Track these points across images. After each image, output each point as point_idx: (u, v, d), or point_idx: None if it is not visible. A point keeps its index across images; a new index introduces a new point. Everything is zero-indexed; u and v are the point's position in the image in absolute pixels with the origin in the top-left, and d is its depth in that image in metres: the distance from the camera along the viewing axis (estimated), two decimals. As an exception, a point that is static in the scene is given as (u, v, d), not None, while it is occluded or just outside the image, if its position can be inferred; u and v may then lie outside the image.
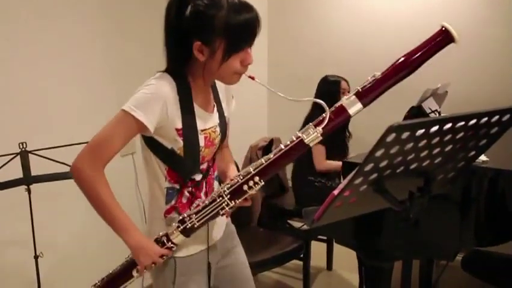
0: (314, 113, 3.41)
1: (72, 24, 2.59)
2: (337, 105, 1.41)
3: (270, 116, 4.57)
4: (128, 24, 2.99)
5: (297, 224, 3.64)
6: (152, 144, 1.53)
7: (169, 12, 1.48)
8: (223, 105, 1.69)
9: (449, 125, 1.12)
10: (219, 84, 1.67)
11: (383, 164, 1.11)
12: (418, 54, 1.33)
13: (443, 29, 1.29)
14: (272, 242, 3.05)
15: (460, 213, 2.14)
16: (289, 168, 3.72)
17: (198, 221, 1.51)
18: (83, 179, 1.42)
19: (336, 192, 1.15)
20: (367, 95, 1.37)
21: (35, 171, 1.95)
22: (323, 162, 3.37)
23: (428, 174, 1.29)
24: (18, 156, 1.89)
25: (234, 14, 1.40)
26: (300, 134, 1.43)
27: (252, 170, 1.47)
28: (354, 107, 1.38)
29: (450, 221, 2.14)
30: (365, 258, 2.42)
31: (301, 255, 3.14)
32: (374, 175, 1.14)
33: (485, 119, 1.19)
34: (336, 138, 3.47)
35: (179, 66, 1.52)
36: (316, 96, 3.45)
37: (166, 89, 1.46)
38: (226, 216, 1.66)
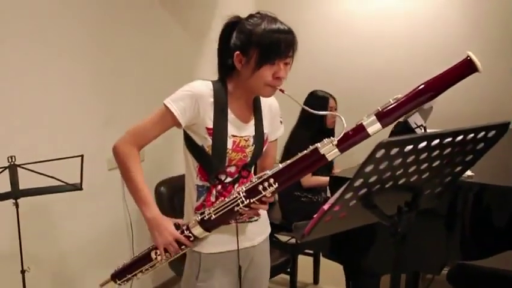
0: (297, 133, 3.43)
1: (60, 37, 2.58)
2: (357, 123, 1.47)
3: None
4: (118, 36, 2.98)
5: (283, 238, 3.63)
6: (187, 139, 1.70)
7: (223, 32, 1.68)
8: (265, 122, 1.80)
9: (436, 141, 1.14)
10: (265, 103, 1.80)
11: (372, 179, 1.13)
12: (441, 81, 1.39)
13: (468, 58, 1.34)
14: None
15: (445, 227, 2.17)
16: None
17: (214, 214, 1.61)
18: (119, 154, 1.63)
19: (326, 207, 1.16)
20: (387, 116, 1.44)
21: (23, 185, 1.94)
22: (309, 178, 3.37)
23: (416, 189, 1.31)
24: (7, 169, 1.88)
25: (269, 30, 1.57)
26: (316, 144, 1.54)
27: (268, 172, 1.58)
28: (373, 126, 1.44)
29: (436, 235, 2.16)
30: (351, 273, 2.44)
31: (288, 270, 3.14)
32: (364, 190, 1.16)
33: (472, 135, 1.22)
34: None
35: (222, 74, 1.71)
36: (303, 111, 3.46)
37: (202, 90, 1.64)
38: (245, 218, 1.73)
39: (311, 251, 3.62)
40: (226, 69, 1.69)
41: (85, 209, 2.72)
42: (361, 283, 2.49)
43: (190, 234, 1.64)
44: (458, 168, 1.36)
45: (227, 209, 1.60)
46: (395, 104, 1.43)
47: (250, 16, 1.65)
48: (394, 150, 1.06)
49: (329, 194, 3.62)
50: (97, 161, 2.76)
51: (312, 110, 1.65)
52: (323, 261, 3.57)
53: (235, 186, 1.71)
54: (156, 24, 3.26)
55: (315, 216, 1.22)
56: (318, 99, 3.45)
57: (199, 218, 1.63)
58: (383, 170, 1.11)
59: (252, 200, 1.58)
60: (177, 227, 1.66)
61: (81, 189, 2.14)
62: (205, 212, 1.62)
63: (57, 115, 2.58)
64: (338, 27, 4.22)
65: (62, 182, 1.98)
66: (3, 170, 1.85)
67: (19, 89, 2.37)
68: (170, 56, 3.35)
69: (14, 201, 1.92)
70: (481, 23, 3.70)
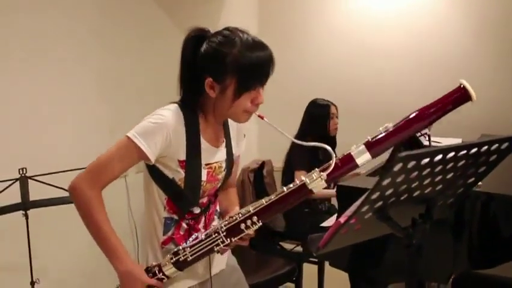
0: (296, 145, 3.43)
1: (67, 50, 2.61)
2: (345, 153, 1.41)
3: (260, 138, 4.59)
4: (123, 45, 3.01)
5: (288, 246, 3.64)
6: (154, 172, 1.54)
7: (186, 47, 1.51)
8: (233, 143, 1.70)
9: (451, 154, 1.15)
10: (231, 121, 1.67)
11: (389, 192, 1.13)
12: (433, 109, 1.35)
13: (461, 86, 1.32)
14: (264, 265, 3.05)
15: (453, 236, 2.17)
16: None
17: (191, 255, 1.49)
18: (80, 199, 1.43)
19: (342, 219, 1.17)
20: (377, 146, 1.38)
21: (33, 196, 1.94)
22: None
23: (430, 201, 1.32)
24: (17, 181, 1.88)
25: (246, 53, 1.42)
26: (303, 178, 1.43)
27: (251, 209, 1.46)
28: (362, 156, 1.39)
29: (444, 244, 2.16)
30: (358, 281, 2.44)
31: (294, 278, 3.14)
32: (380, 203, 1.16)
33: (486, 147, 1.23)
34: (320, 165, 3.49)
35: (191, 100, 1.54)
36: (304, 119, 3.49)
37: (172, 120, 1.47)
38: (221, 254, 1.62)
39: (315, 259, 3.62)
40: (194, 94, 1.52)
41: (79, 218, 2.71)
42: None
43: (163, 277, 1.51)
44: (471, 180, 1.37)
45: (205, 249, 1.48)
46: (384, 135, 1.38)
47: (218, 33, 1.49)
48: (411, 164, 1.06)
49: (333, 203, 3.63)
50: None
51: (296, 141, 1.54)
52: (328, 269, 3.56)
53: (206, 215, 1.62)
54: (160, 33, 3.29)
55: (329, 229, 1.22)
56: (319, 108, 3.47)
57: (174, 259, 1.50)
58: (399, 183, 1.11)
59: (233, 239, 1.47)
60: (148, 269, 1.53)
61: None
62: (180, 252, 1.49)
63: (68, 127, 2.60)
64: (339, 35, 4.24)
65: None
66: (13, 182, 1.86)
67: (29, 101, 2.39)
68: (175, 64, 3.35)
69: (23, 212, 1.92)
70: (481, 32, 3.72)
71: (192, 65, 1.49)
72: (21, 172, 1.88)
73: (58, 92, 2.56)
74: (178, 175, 1.51)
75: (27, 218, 1.97)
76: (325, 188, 2.93)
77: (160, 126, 1.45)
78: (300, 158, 3.28)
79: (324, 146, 1.46)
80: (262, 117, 1.49)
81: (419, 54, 3.90)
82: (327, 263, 3.50)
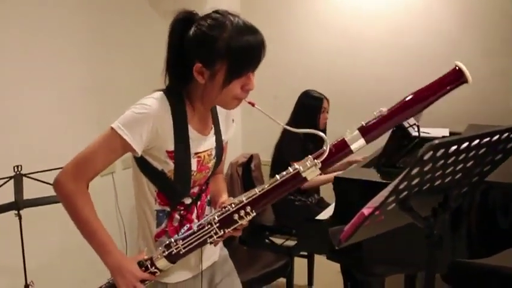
0: (289, 133, 3.39)
1: (57, 48, 2.57)
2: (339, 139, 1.38)
3: (244, 133, 4.54)
4: (110, 39, 2.95)
5: (278, 240, 3.61)
6: (142, 164, 1.49)
7: (173, 31, 1.44)
8: (222, 128, 1.64)
9: (476, 142, 1.13)
10: (219, 107, 1.61)
11: (415, 181, 1.11)
12: (428, 92, 1.31)
13: (457, 68, 1.28)
14: (256, 260, 3.03)
15: (452, 225, 2.17)
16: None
17: (184, 248, 1.45)
18: (64, 193, 1.39)
19: (366, 212, 1.14)
20: (371, 131, 1.35)
21: (28, 195, 1.86)
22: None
23: (447, 190, 1.30)
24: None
25: (237, 37, 1.36)
26: (297, 166, 1.38)
27: (244, 199, 1.42)
28: (356, 142, 1.35)
29: (443, 233, 2.16)
30: (357, 275, 2.43)
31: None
32: (404, 193, 1.14)
33: (506, 134, 1.21)
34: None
35: (178, 87, 1.48)
36: (296, 110, 3.45)
37: (158, 109, 1.41)
38: (215, 245, 1.58)
39: (305, 253, 3.60)
40: (181, 80, 1.46)
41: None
42: (365, 285, 2.49)
43: (155, 270, 1.47)
44: (487, 168, 1.36)
45: (198, 242, 1.44)
46: (379, 119, 1.34)
47: (208, 16, 1.41)
48: (440, 152, 1.04)
49: (322, 195, 3.61)
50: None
51: (281, 123, 1.46)
52: (317, 263, 3.57)
53: (198, 204, 1.59)
54: (147, 26, 3.22)
55: (352, 221, 1.19)
56: (312, 99, 3.44)
57: (166, 252, 1.45)
58: (426, 172, 1.09)
59: (227, 231, 1.43)
60: (140, 263, 1.48)
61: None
62: (172, 245, 1.45)
63: (62, 123, 2.53)
64: (326, 26, 4.21)
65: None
66: (8, 180, 1.77)
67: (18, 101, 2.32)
68: (161, 56, 3.30)
69: (16, 212, 1.83)
70: (468, 23, 3.74)
71: (180, 49, 1.42)
72: (16, 170, 1.80)
73: (47, 89, 2.49)
74: (167, 166, 1.46)
75: (20, 219, 1.88)
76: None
77: (145, 116, 1.39)
78: (291, 149, 3.24)
79: (317, 132, 1.41)
80: (253, 104, 1.43)
81: (407, 46, 3.89)
82: (316, 257, 3.52)
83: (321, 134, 1.41)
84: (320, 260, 3.29)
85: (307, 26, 4.27)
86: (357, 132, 1.35)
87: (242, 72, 1.39)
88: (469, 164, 1.23)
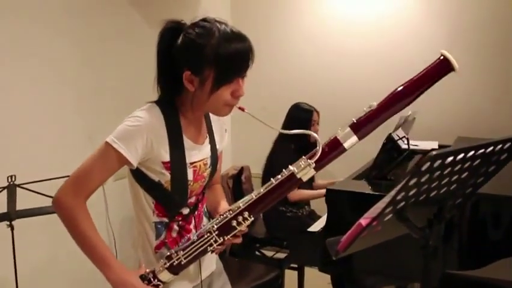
0: (281, 145, 3.40)
1: (52, 57, 2.58)
2: (331, 137, 1.38)
3: (234, 145, 4.54)
4: (101, 49, 2.94)
5: (269, 252, 3.60)
6: (138, 175, 1.49)
7: (162, 40, 1.46)
8: (216, 137, 1.65)
9: (471, 153, 1.14)
10: (213, 116, 1.63)
11: (412, 192, 1.12)
12: (416, 84, 1.32)
13: (442, 57, 1.29)
14: (247, 272, 3.02)
15: (443, 237, 2.18)
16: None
17: (185, 258, 1.46)
18: (63, 210, 1.39)
19: (363, 222, 1.14)
20: (363, 126, 1.35)
21: (20, 206, 1.84)
22: (295, 191, 3.35)
23: (442, 201, 1.31)
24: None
25: (224, 44, 1.38)
26: (291, 167, 1.40)
27: (241, 204, 1.43)
28: (349, 140, 1.36)
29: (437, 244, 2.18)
30: (348, 285, 2.43)
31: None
32: (401, 204, 1.15)
33: (499, 146, 1.23)
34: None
35: (170, 97, 1.49)
36: (286, 122, 3.46)
37: (152, 121, 1.42)
38: (216, 253, 1.60)
39: (296, 265, 3.60)
40: (172, 89, 1.47)
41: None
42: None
43: (158, 283, 1.47)
44: (480, 179, 1.37)
45: (199, 251, 1.45)
46: (369, 114, 1.35)
47: (195, 24, 1.43)
48: (437, 163, 1.06)
49: (313, 207, 3.62)
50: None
51: (272, 126, 1.48)
52: (308, 275, 3.56)
53: (195, 214, 1.59)
54: (138, 39, 3.22)
55: (349, 232, 1.20)
56: (302, 112, 3.46)
57: (168, 264, 1.45)
58: (423, 182, 1.10)
59: (226, 238, 1.44)
60: (143, 276, 1.47)
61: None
62: (173, 256, 1.46)
63: (40, 132, 2.51)
64: (313, 39, 4.24)
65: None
66: (1, 191, 1.75)
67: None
68: (152, 69, 3.29)
69: (8, 223, 1.81)
70: (455, 35, 3.79)
71: (169, 59, 1.44)
72: (9, 180, 1.78)
73: (41, 99, 2.50)
74: (164, 177, 1.47)
75: (12, 229, 1.86)
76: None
77: (139, 129, 1.40)
78: (283, 161, 3.24)
79: (309, 132, 1.44)
80: (243, 109, 1.45)
81: (398, 58, 3.92)
82: (306, 269, 3.52)
83: (313, 133, 1.45)
84: (310, 272, 3.28)
85: (296, 38, 4.30)
86: (348, 129, 1.35)
87: (230, 78, 1.41)
88: (463, 175, 1.25)
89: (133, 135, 1.39)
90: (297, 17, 4.30)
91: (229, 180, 3.44)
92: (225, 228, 1.43)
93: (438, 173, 1.11)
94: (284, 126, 3.47)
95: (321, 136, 3.48)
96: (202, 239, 1.45)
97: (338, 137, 1.37)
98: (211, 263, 1.70)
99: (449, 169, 1.14)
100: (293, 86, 4.26)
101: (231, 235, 1.44)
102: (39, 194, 1.80)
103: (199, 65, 1.39)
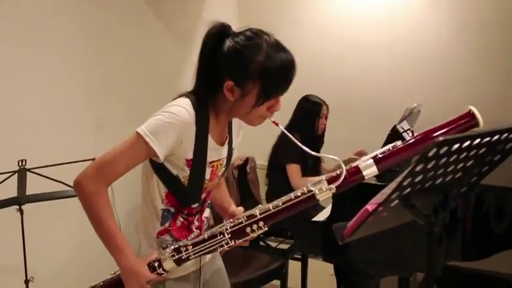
0: (284, 140, 3.41)
1: (62, 44, 2.61)
2: (353, 165, 1.44)
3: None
4: (109, 40, 2.97)
5: (272, 243, 3.62)
6: (156, 165, 1.50)
7: (207, 44, 1.46)
8: (234, 138, 1.68)
9: (477, 141, 1.16)
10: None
11: (418, 178, 1.14)
12: (441, 132, 1.40)
13: (470, 112, 1.37)
14: (250, 262, 3.04)
15: (446, 228, 2.20)
16: (263, 188, 3.72)
17: (194, 254, 1.49)
18: (84, 194, 1.40)
19: (370, 208, 1.16)
20: (384, 161, 1.42)
21: (30, 190, 1.87)
22: (299, 180, 3.36)
23: (447, 189, 1.33)
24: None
25: (271, 62, 1.39)
26: (312, 188, 1.45)
27: (258, 213, 1.46)
28: (369, 169, 1.42)
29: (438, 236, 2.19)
30: (352, 276, 2.45)
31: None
32: (408, 190, 1.17)
33: (505, 135, 1.25)
34: (312, 157, 3.50)
35: (205, 98, 1.49)
36: (295, 113, 3.49)
37: (186, 120, 1.43)
38: (222, 253, 1.65)
39: (299, 256, 3.62)
40: (210, 92, 1.48)
41: (76, 215, 2.67)
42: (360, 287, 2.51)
43: (162, 272, 1.50)
44: (485, 168, 1.39)
45: (209, 249, 1.48)
46: (392, 151, 1.43)
47: (242, 33, 1.43)
48: (444, 149, 1.07)
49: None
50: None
51: (308, 150, 1.53)
52: (311, 266, 3.58)
53: (206, 211, 1.64)
54: (146, 29, 3.24)
55: (355, 217, 1.22)
56: (311, 104, 3.48)
57: (177, 256, 1.48)
58: (429, 169, 1.12)
59: (237, 241, 1.47)
60: (149, 264, 1.50)
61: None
62: (182, 250, 1.48)
63: (49, 119, 2.54)
64: (322, 32, 4.25)
65: (70, 186, 1.88)
66: (12, 174, 1.77)
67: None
68: (159, 59, 3.33)
69: (18, 207, 1.83)
70: (462, 29, 3.79)
71: (212, 63, 1.45)
72: (20, 164, 1.80)
73: (52, 85, 2.55)
74: (183, 173, 1.49)
75: (22, 214, 1.88)
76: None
77: (173, 127, 1.41)
78: (288, 152, 3.28)
79: (330, 156, 1.53)
80: (276, 124, 1.50)
81: (406, 51, 3.92)
82: (310, 260, 3.54)
83: (336, 158, 1.51)
84: (313, 262, 3.31)
85: (305, 31, 4.30)
86: (371, 160, 1.42)
87: (274, 95, 1.44)
88: (469, 163, 1.26)
89: (167, 131, 1.40)
90: (306, 10, 4.30)
91: (234, 171, 3.46)
92: (238, 233, 1.46)
93: (444, 159, 1.13)
94: (293, 118, 3.50)
95: (328, 130, 3.50)
96: (214, 240, 1.47)
97: (360, 166, 1.43)
98: None
99: (455, 156, 1.15)
100: (303, 78, 4.24)
101: (242, 240, 1.48)
102: (49, 179, 1.82)
103: (243, 78, 1.41)
